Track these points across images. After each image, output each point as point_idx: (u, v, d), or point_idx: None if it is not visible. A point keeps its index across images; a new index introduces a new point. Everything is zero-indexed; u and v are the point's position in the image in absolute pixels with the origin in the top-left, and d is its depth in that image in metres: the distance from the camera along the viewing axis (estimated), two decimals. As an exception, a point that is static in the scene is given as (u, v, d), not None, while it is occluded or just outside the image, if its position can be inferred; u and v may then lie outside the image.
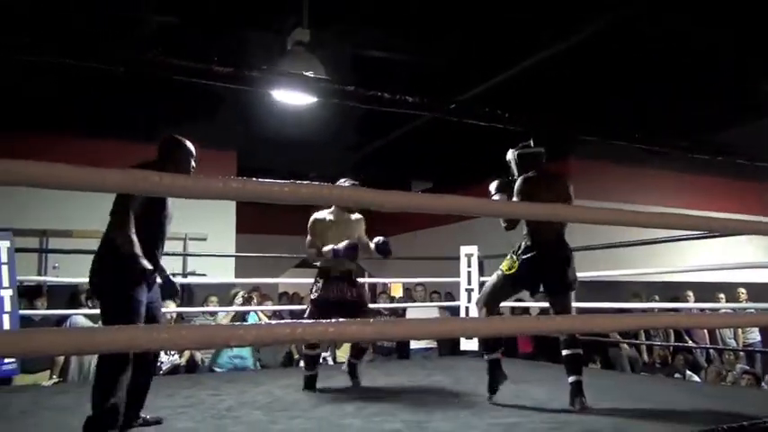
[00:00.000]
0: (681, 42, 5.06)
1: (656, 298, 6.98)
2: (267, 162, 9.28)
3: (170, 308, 4.96)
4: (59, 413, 3.09)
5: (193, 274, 6.59)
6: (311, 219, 3.87)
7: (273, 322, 3.93)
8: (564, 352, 3.19)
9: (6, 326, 4.02)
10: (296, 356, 6.05)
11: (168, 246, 7.32)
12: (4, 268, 4.11)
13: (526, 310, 6.43)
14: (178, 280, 6.20)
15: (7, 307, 4.05)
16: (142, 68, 1.42)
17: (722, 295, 6.92)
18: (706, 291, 6.85)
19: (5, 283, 4.07)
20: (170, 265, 6.70)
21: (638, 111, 6.44)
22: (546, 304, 3.71)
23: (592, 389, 3.13)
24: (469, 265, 5.52)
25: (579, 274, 3.32)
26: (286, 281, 8.17)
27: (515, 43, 5.09)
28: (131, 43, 4.97)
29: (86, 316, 4.81)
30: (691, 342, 7.11)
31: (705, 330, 7.35)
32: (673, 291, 7.15)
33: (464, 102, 5.10)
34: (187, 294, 6.28)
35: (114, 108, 6.41)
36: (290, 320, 1.14)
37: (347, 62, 5.19)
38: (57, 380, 4.65)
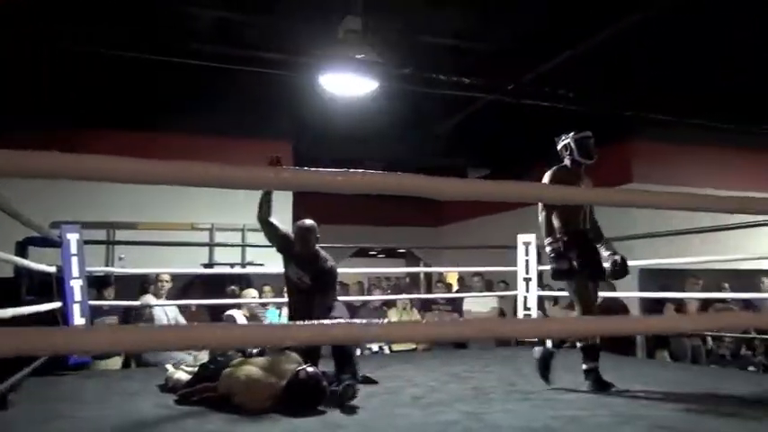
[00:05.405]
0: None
1: (726, 286, 6.60)
2: (323, 152, 9.35)
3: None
4: (127, 397, 3.21)
5: (251, 263, 6.70)
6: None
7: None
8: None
9: (77, 314, 4.20)
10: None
11: (228, 236, 7.31)
12: (74, 260, 4.27)
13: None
14: (237, 270, 6.30)
15: (78, 296, 4.23)
16: (201, 59, 1.41)
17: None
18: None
19: (75, 273, 4.24)
20: (230, 255, 6.78)
21: (699, 90, 6.07)
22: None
23: (660, 381, 2.97)
24: (527, 254, 5.39)
25: (644, 262, 3.19)
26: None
27: (573, 24, 4.90)
28: (188, 36, 5.07)
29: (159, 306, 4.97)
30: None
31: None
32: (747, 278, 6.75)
33: (523, 84, 4.93)
34: (245, 283, 6.37)
35: (169, 100, 6.52)
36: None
37: (402, 49, 5.05)
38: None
